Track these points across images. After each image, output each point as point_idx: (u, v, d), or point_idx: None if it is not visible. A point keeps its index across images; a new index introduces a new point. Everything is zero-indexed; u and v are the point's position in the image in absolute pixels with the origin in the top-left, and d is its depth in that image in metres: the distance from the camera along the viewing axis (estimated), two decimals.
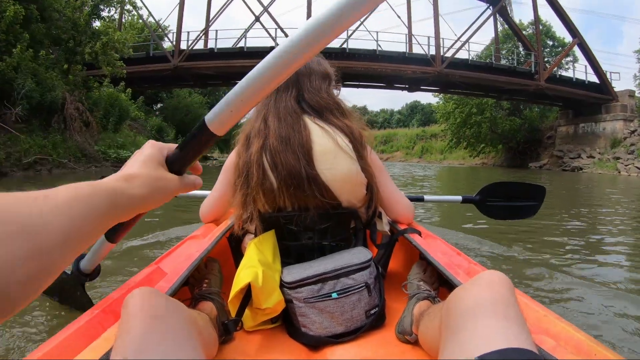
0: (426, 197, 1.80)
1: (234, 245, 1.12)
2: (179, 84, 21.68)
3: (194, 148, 0.51)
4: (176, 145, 0.52)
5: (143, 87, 20.90)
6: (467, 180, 12.29)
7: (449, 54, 18.79)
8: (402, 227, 1.12)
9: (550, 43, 25.82)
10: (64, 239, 0.35)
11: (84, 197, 0.38)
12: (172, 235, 2.78)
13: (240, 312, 0.84)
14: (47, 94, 10.47)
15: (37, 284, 0.32)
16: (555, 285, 1.83)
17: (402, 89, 21.77)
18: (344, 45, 18.37)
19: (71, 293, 1.11)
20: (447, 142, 32.09)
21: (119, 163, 12.31)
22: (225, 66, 17.34)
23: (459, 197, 1.80)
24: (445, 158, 37.54)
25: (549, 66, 20.81)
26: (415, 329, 0.79)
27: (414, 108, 66.47)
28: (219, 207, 1.19)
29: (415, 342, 0.81)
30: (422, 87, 21.75)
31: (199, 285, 0.93)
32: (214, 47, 18.38)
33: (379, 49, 18.54)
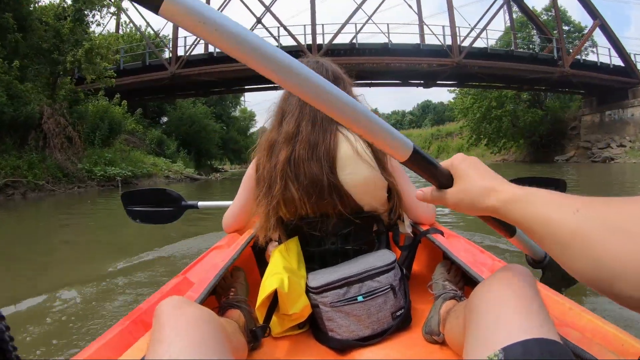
0: None
1: (258, 254, 1.19)
2: (181, 94, 21.73)
3: None
4: None
5: (144, 100, 21.11)
6: None
7: (465, 44, 18.56)
8: (424, 228, 1.17)
9: (567, 28, 25.34)
10: None
11: None
12: (196, 246, 2.92)
13: (268, 318, 0.89)
14: (22, 108, 9.88)
15: None
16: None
17: (417, 85, 21.56)
18: (354, 41, 18.27)
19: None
20: (467, 139, 31.86)
21: (106, 182, 11.57)
22: (225, 70, 17.25)
23: None
24: None
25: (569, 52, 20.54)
26: (443, 328, 0.83)
27: (425, 108, 67.65)
28: (242, 217, 1.25)
29: (442, 342, 0.84)
30: (438, 82, 21.45)
31: (226, 294, 1.00)
32: (213, 51, 18.47)
33: (391, 42, 18.37)
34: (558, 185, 1.77)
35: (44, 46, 11.27)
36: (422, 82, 21.13)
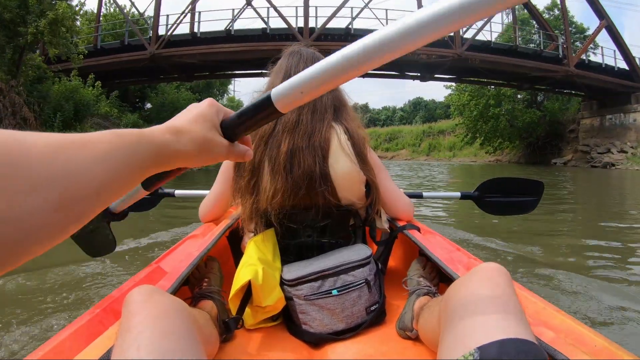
0: (425, 193, 1.95)
1: (233, 244, 1.23)
2: (163, 78, 21.37)
3: (253, 119, 0.54)
4: (233, 111, 0.56)
5: (124, 83, 20.54)
6: None
7: (467, 36, 18.54)
8: (401, 223, 1.23)
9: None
10: (98, 190, 0.36)
11: (127, 146, 0.40)
12: (172, 235, 3.01)
13: (241, 310, 0.93)
14: None
15: (60, 234, 0.34)
16: (556, 279, 2.00)
17: (414, 78, 21.49)
18: (349, 26, 18.02)
19: (95, 233, 1.23)
20: (462, 137, 32.34)
21: None
22: (209, 52, 16.87)
23: (458, 194, 1.96)
24: (455, 155, 38.58)
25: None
26: (416, 324, 0.88)
27: (417, 104, 70.65)
28: (219, 206, 1.29)
29: (416, 338, 0.90)
30: (435, 76, 21.48)
31: (199, 284, 1.03)
32: (197, 32, 17.88)
33: None
34: (536, 187, 1.85)
35: (6, 17, 10.57)
36: (418, 74, 21.10)
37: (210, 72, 21.18)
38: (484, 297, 0.55)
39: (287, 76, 1.09)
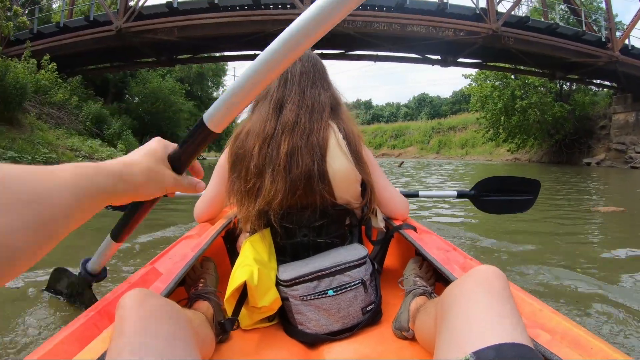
0: (421, 192, 2.16)
1: (229, 245, 1.36)
2: (140, 63, 20.59)
3: (191, 146, 0.66)
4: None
5: (99, 68, 19.88)
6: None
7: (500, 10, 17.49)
8: (397, 223, 1.36)
9: (594, 17, 23.95)
10: (66, 213, 0.46)
11: (89, 175, 0.52)
12: (167, 235, 3.19)
13: (237, 311, 1.05)
14: None
15: (36, 252, 0.43)
16: (552, 280, 2.15)
17: (434, 62, 20.80)
18: None
19: (79, 293, 1.51)
20: (483, 132, 32.27)
21: None
22: (188, 25, 15.49)
23: (454, 192, 2.16)
24: (468, 153, 39.23)
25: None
26: (412, 324, 1.00)
27: (422, 101, 74.82)
28: (214, 206, 1.42)
29: (412, 338, 1.01)
30: (458, 61, 20.83)
31: (195, 285, 1.15)
32: (172, 0, 16.27)
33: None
34: (533, 185, 2.04)
35: None
36: (439, 58, 20.45)
37: (193, 54, 20.33)
38: (480, 300, 0.61)
39: (284, 76, 1.21)
